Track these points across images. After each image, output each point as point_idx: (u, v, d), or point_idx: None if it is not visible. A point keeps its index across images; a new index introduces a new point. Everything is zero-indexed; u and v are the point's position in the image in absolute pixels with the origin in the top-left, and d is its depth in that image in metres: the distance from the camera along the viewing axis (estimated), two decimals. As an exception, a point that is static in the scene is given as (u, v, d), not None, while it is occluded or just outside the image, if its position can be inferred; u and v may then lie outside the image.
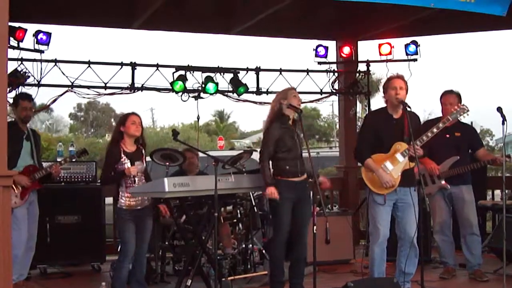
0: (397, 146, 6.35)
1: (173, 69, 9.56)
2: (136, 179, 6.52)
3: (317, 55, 10.26)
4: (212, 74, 9.72)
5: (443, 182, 7.48)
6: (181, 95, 9.61)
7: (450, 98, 7.54)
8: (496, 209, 8.99)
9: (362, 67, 10.69)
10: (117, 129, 6.66)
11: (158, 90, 9.66)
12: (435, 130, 6.49)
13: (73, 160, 7.90)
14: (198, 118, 10.79)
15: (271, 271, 6.74)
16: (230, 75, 9.88)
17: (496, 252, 7.79)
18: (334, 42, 10.74)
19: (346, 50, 10.43)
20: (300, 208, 6.59)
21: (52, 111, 47.77)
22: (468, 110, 6.66)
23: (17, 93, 8.13)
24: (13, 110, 7.06)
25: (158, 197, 6.60)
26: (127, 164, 6.48)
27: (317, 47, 10.23)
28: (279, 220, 6.58)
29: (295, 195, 6.53)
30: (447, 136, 7.30)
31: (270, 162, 6.61)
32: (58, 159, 7.60)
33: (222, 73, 9.85)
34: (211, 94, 9.68)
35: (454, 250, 7.73)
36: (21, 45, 8.58)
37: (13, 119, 7.12)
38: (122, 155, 6.50)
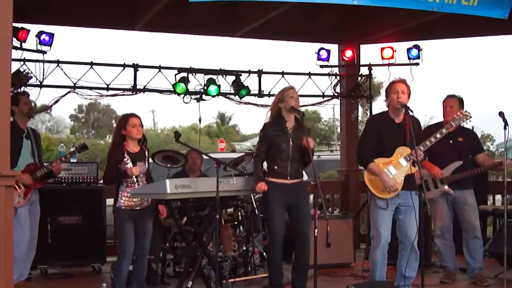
0: (400, 150, 6.37)
1: (175, 71, 9.57)
2: (138, 179, 6.53)
3: (319, 59, 10.27)
4: (214, 77, 9.72)
5: (446, 187, 7.49)
6: (183, 97, 9.61)
7: (451, 101, 7.59)
8: (497, 214, 8.99)
9: (364, 70, 10.71)
10: (118, 132, 6.64)
11: (160, 92, 9.66)
12: (438, 135, 6.53)
13: (74, 155, 7.87)
14: (200, 120, 10.82)
15: (269, 274, 6.76)
16: (232, 78, 9.89)
17: (496, 256, 7.80)
18: (337, 45, 10.75)
19: (348, 53, 10.44)
20: (296, 211, 6.61)
21: (51, 111, 47.64)
22: (471, 117, 6.71)
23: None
24: (14, 109, 7.01)
25: (160, 198, 6.60)
26: (129, 164, 6.48)
27: (319, 50, 10.24)
28: (271, 224, 6.64)
29: (287, 198, 6.56)
30: (450, 141, 7.32)
31: (265, 163, 6.73)
32: (62, 157, 7.59)
33: (224, 76, 9.85)
34: (213, 96, 9.69)
35: (455, 254, 7.73)
36: (24, 45, 8.61)
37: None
38: (126, 155, 6.50)
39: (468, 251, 7.51)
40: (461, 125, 7.04)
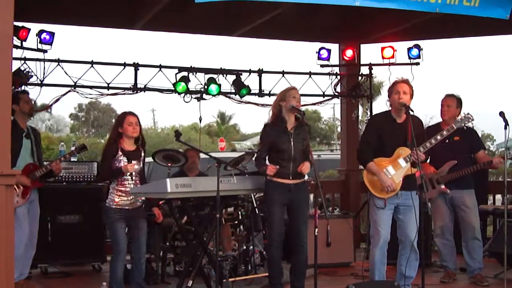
0: (400, 151, 6.37)
1: (176, 70, 9.57)
2: (133, 178, 6.51)
3: (319, 58, 10.28)
4: (214, 76, 9.72)
5: (442, 186, 7.50)
6: (184, 96, 9.61)
7: (449, 101, 7.59)
8: (497, 213, 8.98)
9: (364, 70, 10.72)
10: (115, 130, 6.63)
11: (161, 91, 9.66)
12: (438, 137, 6.51)
13: (73, 156, 7.87)
14: (200, 120, 10.81)
15: (269, 273, 6.75)
16: (233, 77, 9.89)
17: (497, 256, 7.79)
18: (337, 45, 10.75)
19: (349, 53, 10.44)
20: (295, 211, 6.60)
21: (52, 110, 47.57)
22: (473, 119, 6.66)
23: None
24: (14, 108, 6.99)
25: (160, 197, 6.59)
26: (123, 161, 6.46)
27: (319, 49, 10.25)
28: (271, 223, 6.62)
29: (287, 197, 6.54)
30: (446, 141, 7.24)
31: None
32: (61, 157, 7.59)
33: (224, 75, 9.85)
34: (213, 95, 9.68)
35: (455, 254, 7.73)
36: (24, 44, 8.61)
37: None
38: (120, 152, 6.48)
39: (468, 252, 7.51)
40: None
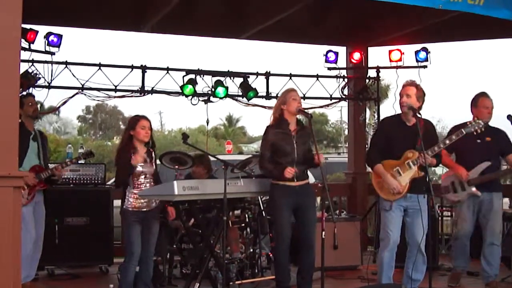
0: (409, 154, 6.33)
1: (183, 73, 9.58)
2: (144, 179, 6.50)
3: (327, 61, 10.29)
4: (222, 78, 9.73)
5: (473, 189, 7.21)
6: (191, 99, 9.63)
7: (487, 102, 7.29)
8: (505, 217, 8.91)
9: (372, 73, 10.70)
10: (127, 133, 6.63)
11: (168, 93, 9.67)
12: (447, 141, 6.41)
13: (79, 161, 7.89)
14: (207, 122, 10.83)
15: (276, 276, 6.74)
16: (240, 80, 9.90)
17: (504, 260, 7.75)
18: (345, 47, 10.74)
19: (356, 56, 10.43)
20: (303, 214, 6.59)
21: (59, 112, 47.72)
22: (482, 126, 6.50)
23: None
24: (19, 112, 6.98)
25: (168, 200, 6.60)
26: (139, 166, 6.45)
27: (327, 52, 10.26)
28: (278, 226, 6.61)
29: (294, 200, 6.53)
30: (478, 141, 7.04)
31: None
32: (67, 161, 7.61)
33: (232, 78, 9.87)
34: (221, 98, 9.70)
35: (468, 254, 7.53)
36: (32, 46, 8.63)
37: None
38: (132, 155, 6.48)
39: (485, 257, 7.25)
40: (489, 124, 6.82)
